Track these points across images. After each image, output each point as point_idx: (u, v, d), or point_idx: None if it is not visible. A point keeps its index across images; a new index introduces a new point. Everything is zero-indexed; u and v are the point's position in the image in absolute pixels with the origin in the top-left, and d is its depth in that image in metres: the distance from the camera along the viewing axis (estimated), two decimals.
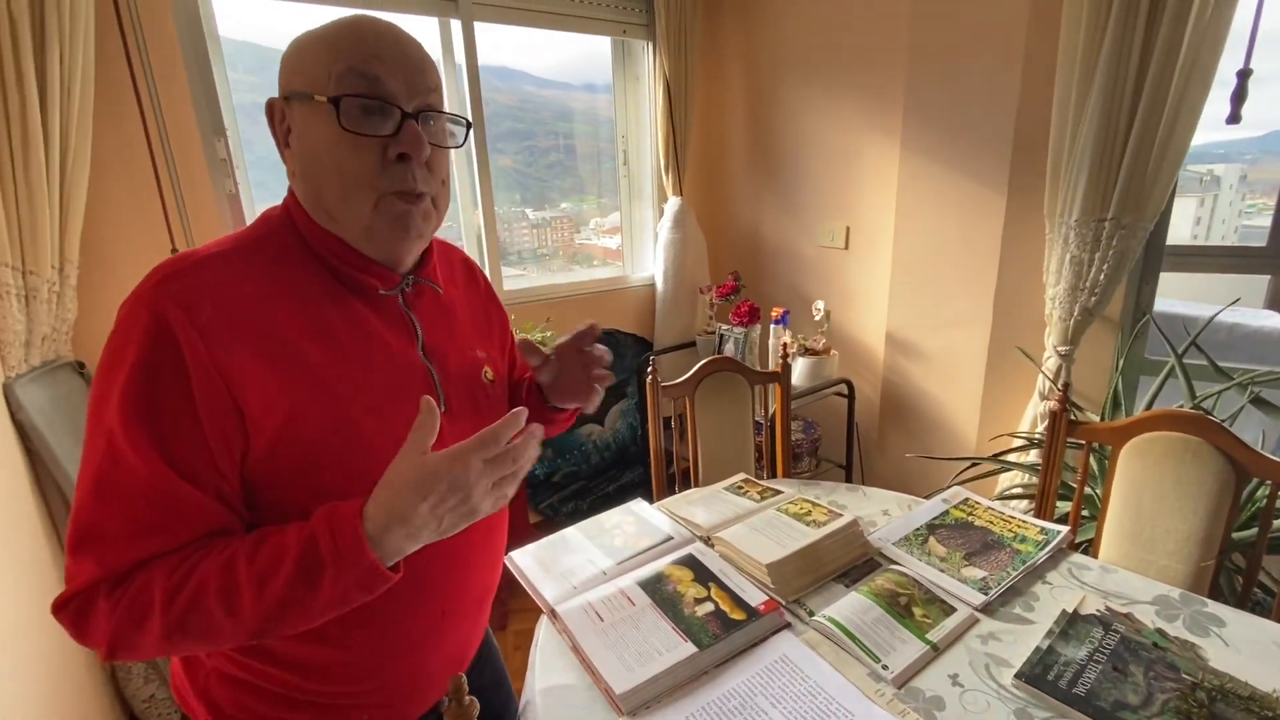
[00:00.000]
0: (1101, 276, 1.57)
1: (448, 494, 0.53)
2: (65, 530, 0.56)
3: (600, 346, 0.85)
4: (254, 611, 0.53)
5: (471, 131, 2.09)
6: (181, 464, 0.56)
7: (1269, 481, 1.05)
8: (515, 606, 2.09)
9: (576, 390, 0.87)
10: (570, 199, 2.64)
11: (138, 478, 0.54)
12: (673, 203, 2.50)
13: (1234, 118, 1.20)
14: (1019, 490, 1.72)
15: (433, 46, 2.04)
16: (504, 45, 2.19)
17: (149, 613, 0.53)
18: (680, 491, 1.38)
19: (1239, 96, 1.19)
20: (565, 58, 2.46)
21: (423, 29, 2.02)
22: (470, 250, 2.28)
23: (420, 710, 0.77)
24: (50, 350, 1.46)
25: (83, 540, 0.55)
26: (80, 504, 0.56)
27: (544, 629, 0.96)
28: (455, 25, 2.04)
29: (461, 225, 2.26)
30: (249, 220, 1.76)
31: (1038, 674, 0.80)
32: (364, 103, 0.60)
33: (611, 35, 2.40)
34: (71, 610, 0.55)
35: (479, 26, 2.07)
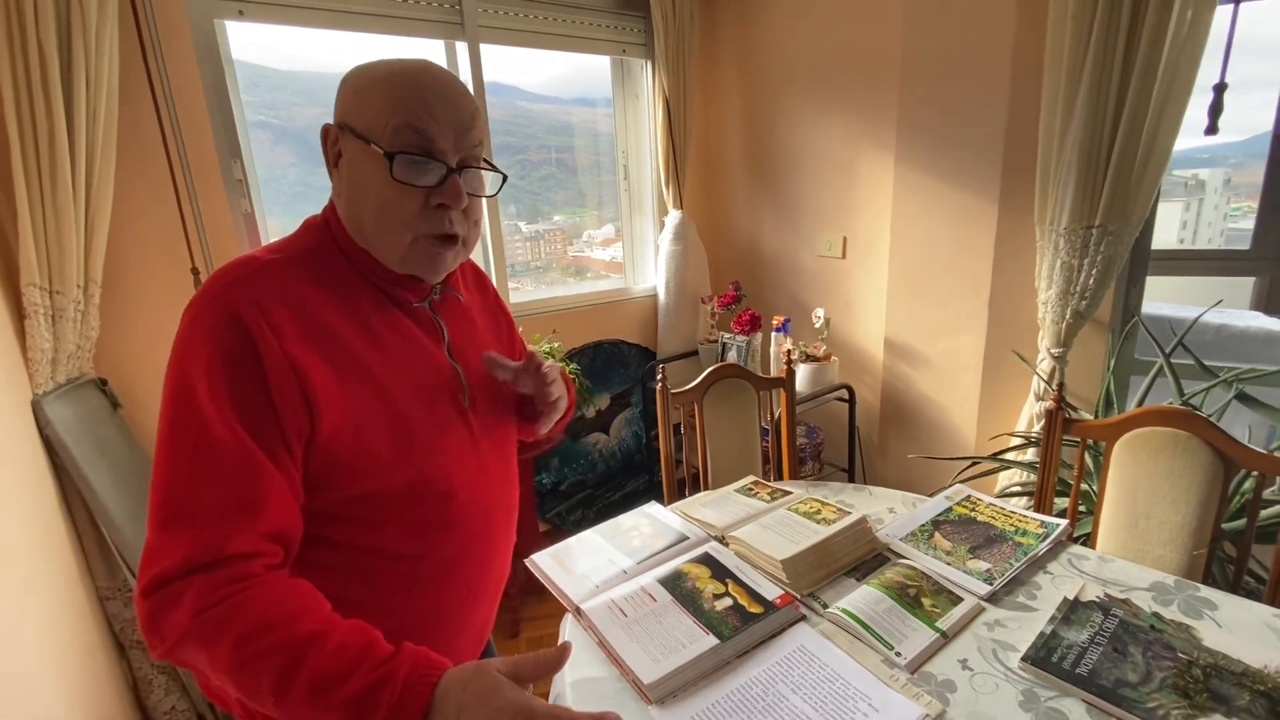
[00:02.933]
0: (1091, 281, 1.63)
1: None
2: (108, 535, 0.58)
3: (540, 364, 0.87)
4: (295, 707, 0.53)
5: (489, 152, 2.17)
6: (262, 442, 0.61)
7: (1255, 473, 1.10)
8: (527, 614, 2.12)
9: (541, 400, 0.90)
10: (563, 212, 2.69)
11: (230, 453, 0.59)
12: (674, 216, 2.56)
13: (1211, 129, 1.27)
14: (1017, 488, 1.77)
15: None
16: (494, 61, 2.22)
17: (221, 640, 0.54)
18: (689, 496, 1.42)
19: (1215, 110, 1.25)
20: (556, 74, 2.52)
21: (430, 52, 2.08)
22: (477, 263, 2.33)
23: None
24: (75, 368, 1.50)
25: (175, 516, 0.57)
26: (171, 480, 0.58)
27: (569, 626, 0.99)
28: (461, 47, 2.10)
29: None
30: (263, 237, 1.82)
31: (1042, 657, 0.85)
32: (414, 159, 0.67)
33: (611, 55, 2.48)
34: (160, 598, 0.55)
35: (464, 49, 2.11)
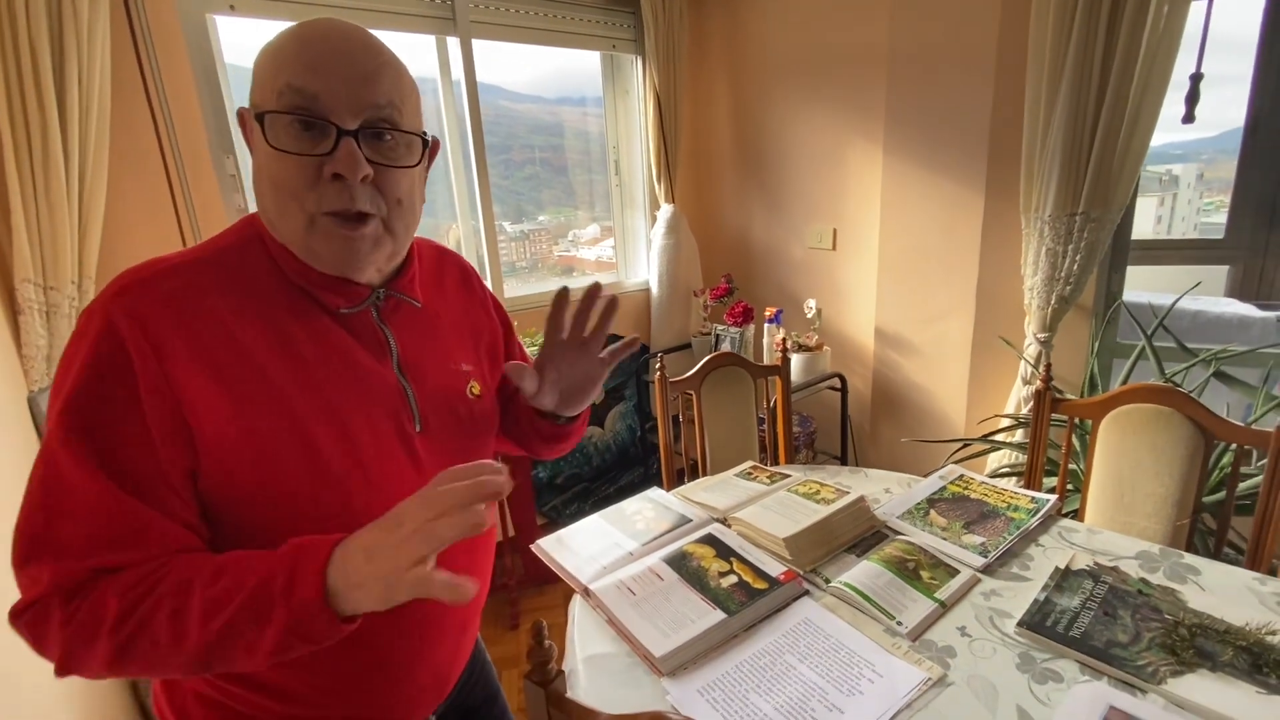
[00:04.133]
0: (1075, 267, 1.68)
1: (386, 528, 0.51)
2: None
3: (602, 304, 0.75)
4: (198, 642, 0.51)
5: (472, 147, 2.17)
6: (128, 479, 0.54)
7: (1234, 447, 1.15)
8: (526, 606, 2.13)
9: (587, 382, 0.80)
10: (547, 211, 2.69)
11: (82, 493, 0.53)
12: (665, 210, 2.59)
13: (1189, 117, 1.32)
14: (1007, 470, 1.82)
15: (429, 64, 2.11)
16: (477, 60, 2.20)
17: (98, 633, 0.51)
18: (688, 483, 1.45)
19: (1192, 98, 1.30)
20: (538, 73, 2.53)
21: (422, 47, 2.09)
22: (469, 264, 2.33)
23: None
24: None
25: (35, 552, 0.53)
26: (27, 517, 0.54)
27: (578, 607, 1.01)
28: (453, 43, 2.11)
29: (461, 238, 2.32)
30: None
31: (1037, 621, 0.89)
32: (298, 119, 0.57)
33: (601, 50, 2.49)
34: (27, 620, 0.53)
35: (455, 43, 2.12)
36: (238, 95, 1.80)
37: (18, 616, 0.53)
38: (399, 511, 0.51)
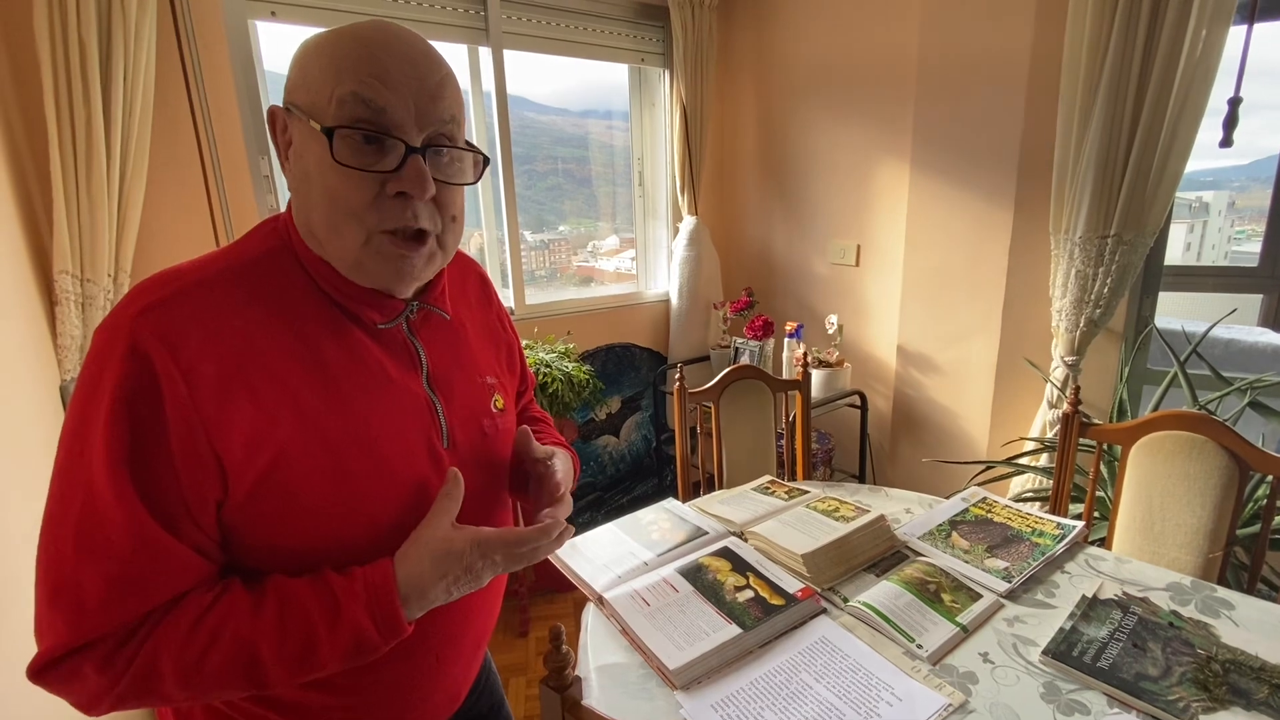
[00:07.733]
0: (1105, 290, 1.65)
1: (463, 575, 0.59)
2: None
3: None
4: (286, 683, 0.55)
5: (500, 156, 2.20)
6: (161, 513, 0.52)
7: (1270, 479, 1.11)
8: (536, 614, 2.12)
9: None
10: (569, 222, 2.72)
11: (120, 530, 0.51)
12: (688, 222, 2.59)
13: (1226, 141, 1.29)
14: (1030, 494, 1.78)
15: (460, 75, 2.13)
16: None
17: (158, 682, 0.52)
18: (703, 496, 1.44)
19: (1230, 122, 1.28)
20: (563, 86, 2.56)
21: (453, 56, 2.12)
22: (489, 271, 2.36)
23: None
24: None
25: (59, 594, 0.51)
26: (59, 553, 0.51)
27: (591, 615, 1.00)
28: (485, 53, 2.14)
29: (485, 245, 2.34)
30: None
31: (1063, 651, 0.86)
32: (364, 134, 0.54)
33: (630, 63, 2.52)
34: (57, 676, 0.51)
35: (486, 54, 2.15)
36: (275, 99, 1.84)
37: (42, 675, 0.51)
38: (456, 554, 0.58)
